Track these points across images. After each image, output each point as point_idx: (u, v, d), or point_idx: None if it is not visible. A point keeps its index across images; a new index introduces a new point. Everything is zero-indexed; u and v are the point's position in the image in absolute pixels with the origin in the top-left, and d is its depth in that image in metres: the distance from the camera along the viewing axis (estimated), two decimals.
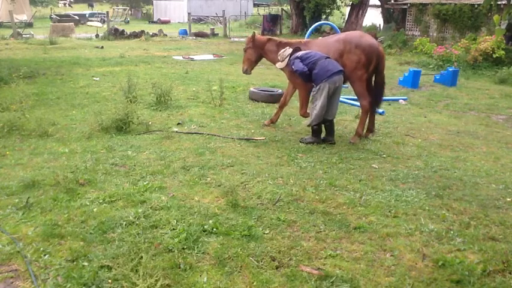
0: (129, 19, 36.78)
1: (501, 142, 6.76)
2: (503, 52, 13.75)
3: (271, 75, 11.68)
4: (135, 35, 21.89)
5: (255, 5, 42.21)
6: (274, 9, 36.95)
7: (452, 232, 3.76)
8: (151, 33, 22.77)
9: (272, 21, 26.85)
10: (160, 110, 7.61)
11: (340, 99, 6.85)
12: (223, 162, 5.18)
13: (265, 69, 12.24)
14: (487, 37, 14.42)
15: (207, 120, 7.14)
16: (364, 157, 5.63)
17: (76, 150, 5.51)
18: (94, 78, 10.53)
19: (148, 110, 7.62)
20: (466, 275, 3.14)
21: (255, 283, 2.98)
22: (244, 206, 4.06)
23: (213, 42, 21.55)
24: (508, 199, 4.52)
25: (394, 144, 6.28)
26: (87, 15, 34.90)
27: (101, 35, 22.19)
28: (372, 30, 22.70)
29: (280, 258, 3.28)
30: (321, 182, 4.70)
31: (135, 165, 5.00)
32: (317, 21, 16.59)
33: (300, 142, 6.10)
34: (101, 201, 4.05)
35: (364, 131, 6.47)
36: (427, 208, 4.19)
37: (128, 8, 41.92)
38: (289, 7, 27.70)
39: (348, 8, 24.95)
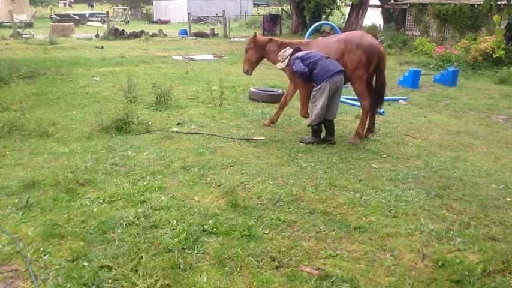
0: (129, 19, 36.79)
1: (501, 142, 6.77)
2: (503, 52, 13.76)
3: (271, 75, 11.69)
4: (135, 35, 21.90)
5: (255, 5, 42.21)
6: (274, 9, 36.95)
7: (452, 232, 3.76)
8: (151, 33, 22.79)
9: (272, 21, 26.86)
10: (160, 110, 7.61)
11: (341, 99, 6.85)
12: (223, 162, 5.18)
13: (265, 69, 12.23)
14: (487, 37, 14.43)
15: (207, 120, 7.14)
16: (364, 157, 5.63)
17: (76, 150, 5.51)
18: (94, 78, 10.53)
19: (148, 110, 7.62)
20: (466, 275, 3.14)
21: (255, 283, 2.98)
22: (244, 206, 4.06)
23: (213, 42, 21.55)
24: (508, 199, 4.52)
25: (394, 144, 6.28)
26: (87, 15, 34.93)
27: (101, 35, 22.20)
28: (372, 30, 22.69)
29: (280, 258, 3.27)
30: (321, 182, 4.70)
31: (135, 165, 5.00)
32: (317, 21, 16.56)
33: (300, 142, 6.10)
34: (101, 201, 4.05)
35: (364, 131, 6.47)
36: (427, 208, 4.19)
37: (128, 8, 41.93)
38: (289, 7, 27.70)
39: (348, 8, 24.95)
